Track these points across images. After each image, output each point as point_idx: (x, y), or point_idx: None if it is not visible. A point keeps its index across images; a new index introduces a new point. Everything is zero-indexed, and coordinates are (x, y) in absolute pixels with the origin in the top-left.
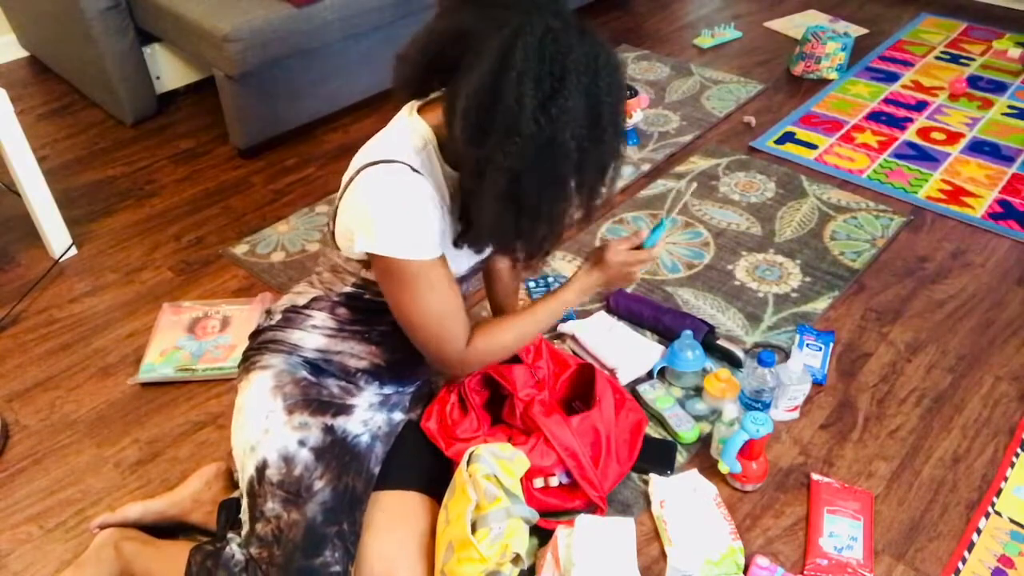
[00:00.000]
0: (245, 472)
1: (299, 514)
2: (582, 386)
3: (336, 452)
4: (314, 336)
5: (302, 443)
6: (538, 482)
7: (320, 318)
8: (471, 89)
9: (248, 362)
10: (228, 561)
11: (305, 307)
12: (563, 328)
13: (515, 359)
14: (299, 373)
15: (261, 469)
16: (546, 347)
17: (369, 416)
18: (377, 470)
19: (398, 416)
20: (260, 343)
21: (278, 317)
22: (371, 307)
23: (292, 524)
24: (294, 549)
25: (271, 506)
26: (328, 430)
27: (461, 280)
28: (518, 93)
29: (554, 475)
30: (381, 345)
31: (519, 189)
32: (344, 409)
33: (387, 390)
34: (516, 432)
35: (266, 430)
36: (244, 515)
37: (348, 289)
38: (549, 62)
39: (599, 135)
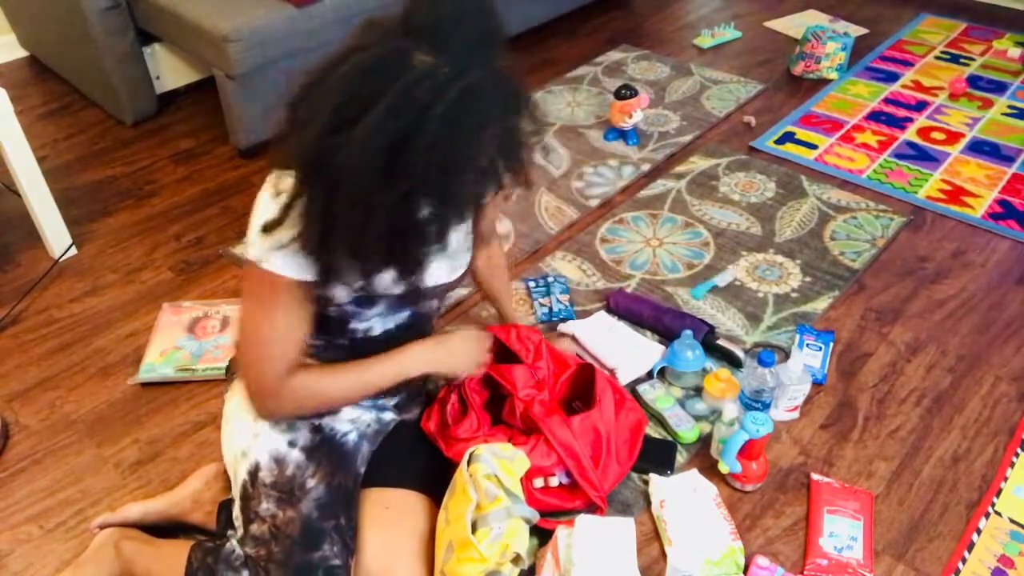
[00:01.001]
0: (238, 478)
1: (294, 511)
2: (582, 386)
3: (326, 450)
4: None
5: (292, 444)
6: (538, 482)
7: None
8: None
9: (234, 371)
10: (229, 556)
11: None
12: (563, 328)
13: (515, 359)
14: None
15: (254, 472)
16: (546, 347)
17: (357, 415)
18: (363, 470)
19: (388, 416)
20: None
21: None
22: (328, 319)
23: (288, 521)
24: (292, 544)
25: (266, 506)
26: (316, 429)
27: (417, 297)
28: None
29: (554, 475)
30: (342, 359)
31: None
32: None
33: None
34: (516, 432)
35: (255, 434)
36: (237, 519)
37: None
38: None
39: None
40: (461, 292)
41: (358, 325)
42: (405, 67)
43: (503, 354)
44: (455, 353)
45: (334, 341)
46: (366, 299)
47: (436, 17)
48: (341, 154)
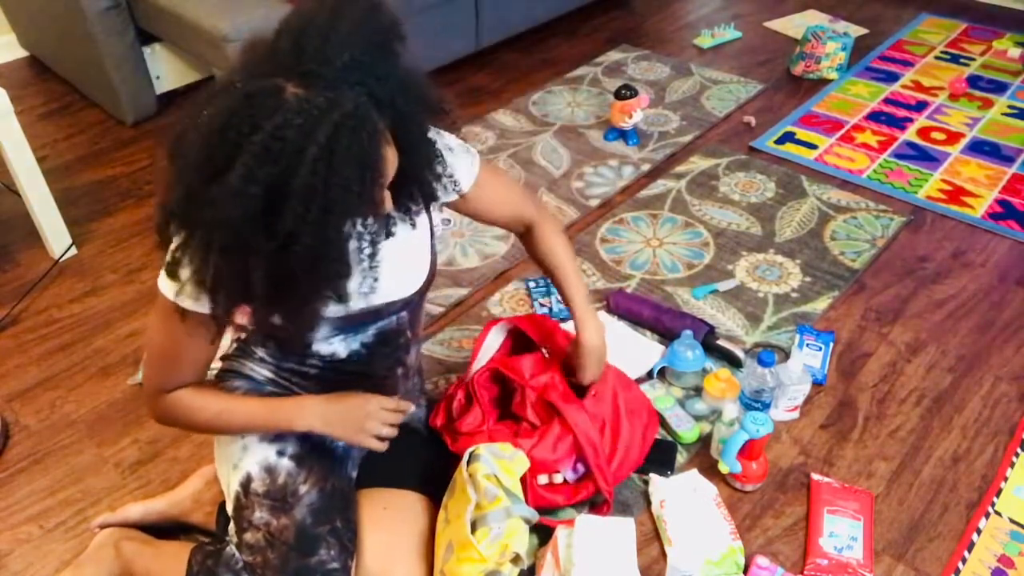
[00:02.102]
0: (231, 490)
1: (288, 518)
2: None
3: (316, 456)
4: (263, 369)
5: (281, 453)
6: (542, 479)
7: (260, 352)
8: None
9: (220, 384)
10: (229, 559)
11: (246, 339)
12: (563, 328)
13: (527, 348)
14: (266, 389)
15: (246, 484)
16: (562, 334)
17: None
18: (355, 473)
19: None
20: (223, 369)
21: (234, 346)
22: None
23: (282, 528)
24: (288, 551)
25: (259, 515)
26: (305, 437)
27: (370, 317)
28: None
29: (559, 471)
30: (315, 379)
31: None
32: None
33: None
34: (524, 425)
35: (244, 447)
36: (231, 529)
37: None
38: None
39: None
40: (461, 292)
41: (320, 348)
42: (275, 105)
43: (519, 346)
44: (349, 418)
45: (304, 363)
46: None
47: (301, 45)
48: (215, 206)
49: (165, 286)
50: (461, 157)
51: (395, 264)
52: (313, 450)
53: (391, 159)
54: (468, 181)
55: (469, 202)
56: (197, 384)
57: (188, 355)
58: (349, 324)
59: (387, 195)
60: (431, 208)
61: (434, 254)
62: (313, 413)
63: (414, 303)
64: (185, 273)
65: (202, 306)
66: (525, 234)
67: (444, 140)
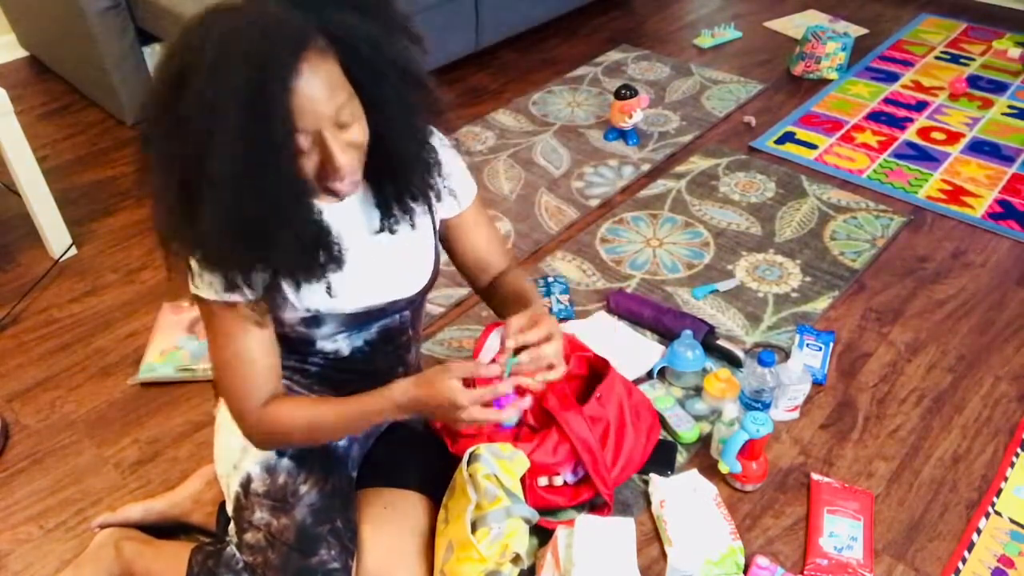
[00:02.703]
0: (231, 490)
1: (288, 518)
2: (596, 380)
3: (317, 455)
4: None
5: (281, 452)
6: (542, 480)
7: None
8: None
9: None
10: (230, 560)
11: None
12: (563, 328)
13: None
14: None
15: (246, 484)
16: (566, 339)
17: None
18: (355, 473)
19: None
20: None
21: None
22: (289, 337)
23: (283, 528)
24: (289, 551)
25: (259, 515)
26: None
27: (374, 315)
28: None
29: (559, 474)
30: (316, 376)
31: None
32: None
33: None
34: (524, 428)
35: (244, 448)
36: (231, 530)
37: None
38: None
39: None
40: (461, 292)
41: (325, 346)
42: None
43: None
44: (432, 405)
45: (307, 361)
46: (314, 319)
47: None
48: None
49: (199, 292)
50: (464, 179)
51: (397, 264)
52: (313, 449)
53: (319, 93)
54: (467, 200)
55: (456, 228)
56: (281, 397)
57: (251, 353)
58: (354, 322)
59: (346, 167)
60: (434, 210)
61: (438, 255)
62: (395, 406)
63: (417, 302)
64: (197, 267)
65: (223, 293)
66: (490, 283)
67: (453, 160)
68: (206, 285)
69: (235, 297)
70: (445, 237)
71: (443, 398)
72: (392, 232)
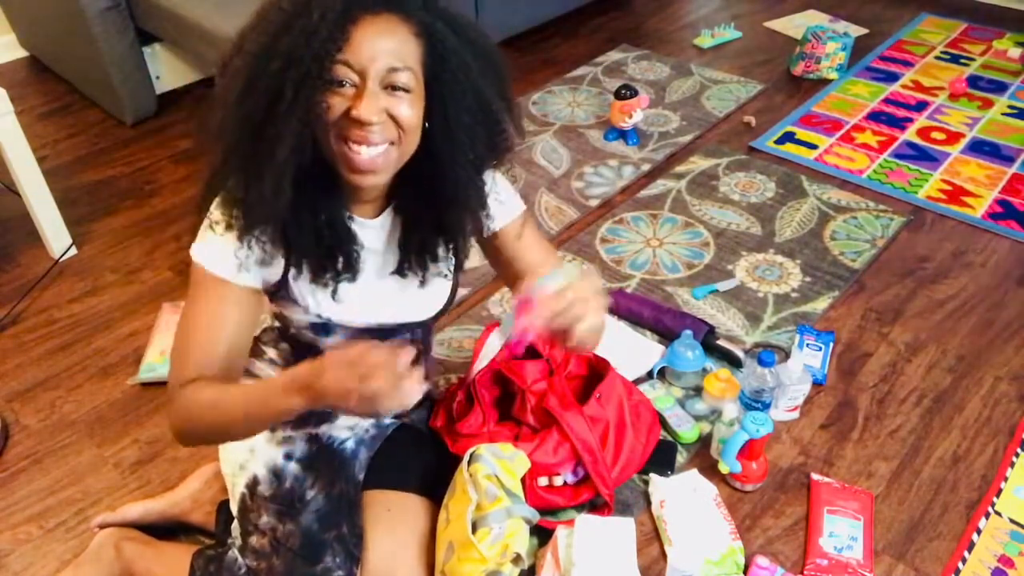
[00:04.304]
0: (236, 491)
1: (294, 524)
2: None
3: (325, 459)
4: (271, 370)
5: (288, 456)
6: (542, 480)
7: (271, 353)
8: None
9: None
10: (231, 564)
11: (259, 338)
12: None
13: (531, 354)
14: None
15: (252, 486)
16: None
17: (355, 421)
18: (362, 476)
19: (387, 420)
20: None
21: None
22: (298, 341)
23: (288, 534)
24: (294, 558)
25: (265, 519)
26: (313, 439)
27: (382, 334)
28: None
29: (559, 474)
30: None
31: None
32: (326, 416)
33: None
34: (525, 428)
35: (251, 449)
36: (235, 531)
37: (277, 323)
38: None
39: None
40: (461, 292)
41: None
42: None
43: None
44: (324, 376)
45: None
46: (323, 327)
47: None
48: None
49: (197, 255)
50: (510, 198)
51: (410, 294)
52: (321, 452)
53: (379, 42)
54: (508, 218)
55: (499, 239)
56: (208, 379)
57: (215, 331)
58: (363, 337)
59: (371, 128)
60: (458, 248)
61: (455, 284)
62: (287, 386)
63: (429, 322)
64: (217, 215)
65: (222, 266)
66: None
67: (496, 186)
68: (208, 250)
69: (235, 276)
70: (486, 246)
71: (335, 358)
72: (404, 276)
